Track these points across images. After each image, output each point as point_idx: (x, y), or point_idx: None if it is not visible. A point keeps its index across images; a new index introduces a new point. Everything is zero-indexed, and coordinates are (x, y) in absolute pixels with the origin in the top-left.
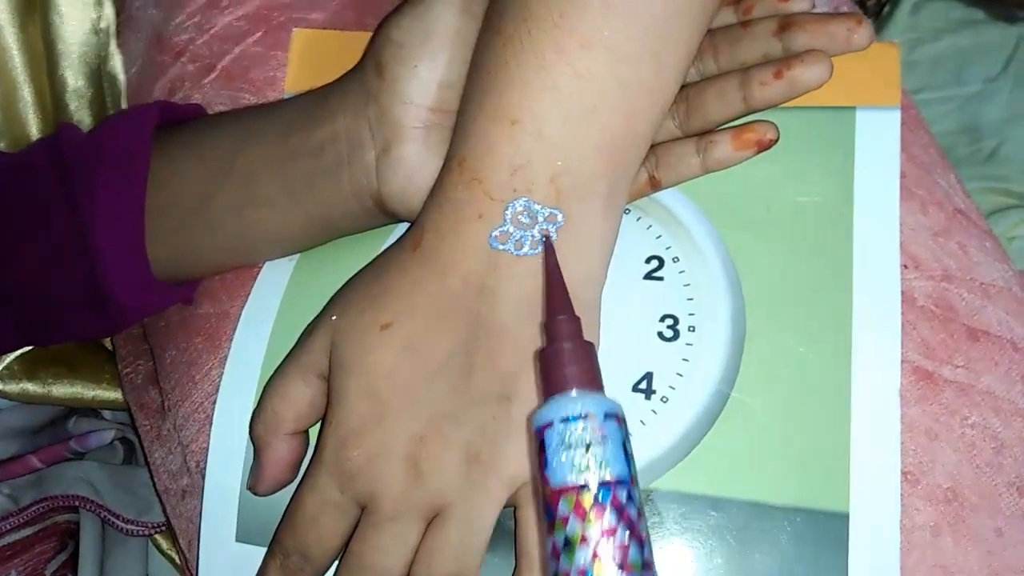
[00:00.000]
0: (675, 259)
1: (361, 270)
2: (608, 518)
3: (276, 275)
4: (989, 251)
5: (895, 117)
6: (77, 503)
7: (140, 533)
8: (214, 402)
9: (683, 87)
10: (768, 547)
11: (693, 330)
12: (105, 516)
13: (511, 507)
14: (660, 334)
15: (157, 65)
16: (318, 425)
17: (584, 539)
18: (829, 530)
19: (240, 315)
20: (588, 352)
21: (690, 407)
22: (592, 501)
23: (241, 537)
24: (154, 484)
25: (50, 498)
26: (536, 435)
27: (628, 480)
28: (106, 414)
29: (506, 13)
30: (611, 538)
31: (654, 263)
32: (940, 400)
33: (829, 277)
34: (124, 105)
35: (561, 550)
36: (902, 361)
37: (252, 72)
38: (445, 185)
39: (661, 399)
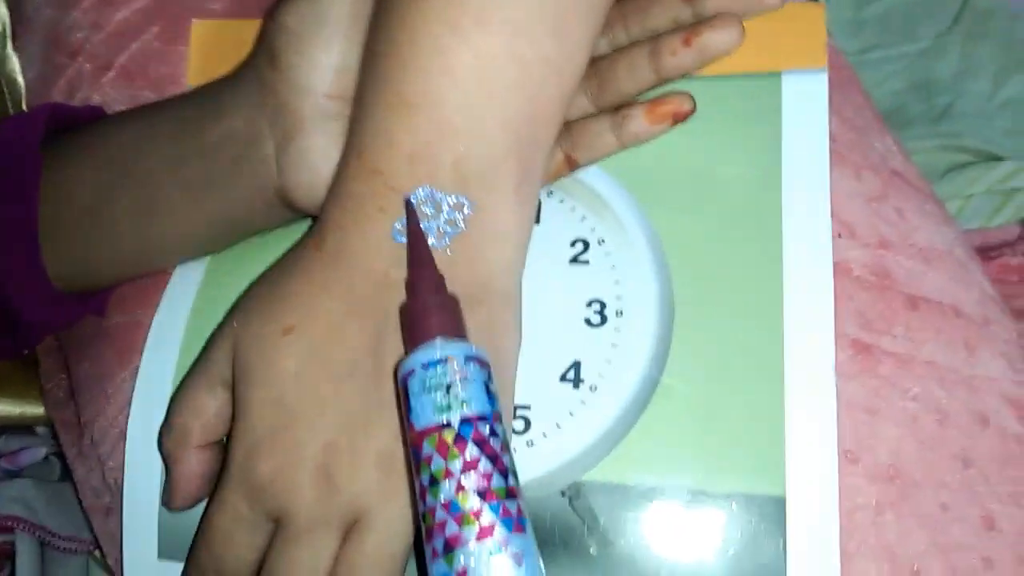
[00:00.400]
0: (600, 241)
1: (263, 273)
2: (470, 450)
3: (187, 280)
4: (929, 214)
5: (822, 79)
6: (12, 524)
7: (79, 551)
8: (127, 416)
9: (593, 60)
10: (705, 536)
11: (621, 315)
12: (42, 536)
13: None
14: (587, 320)
15: (54, 66)
16: None
17: (448, 472)
18: (766, 516)
19: (151, 324)
20: (450, 303)
21: (620, 395)
22: (454, 437)
23: (164, 554)
24: (79, 502)
25: None
26: (401, 385)
27: (491, 416)
28: (39, 429)
29: None
30: (474, 470)
31: (579, 246)
32: (879, 373)
33: (758, 252)
34: (24, 109)
35: (427, 488)
36: (838, 335)
37: (151, 69)
38: (345, 178)
39: (590, 388)
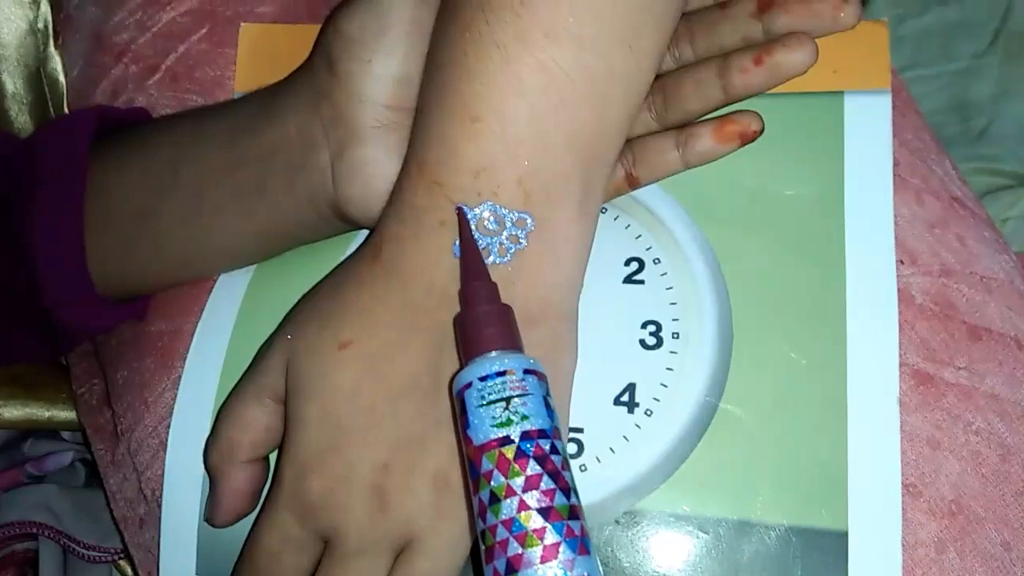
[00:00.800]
0: (656, 260)
1: (318, 283)
2: (532, 467)
3: (231, 289)
4: (988, 241)
5: (886, 101)
6: (35, 530)
7: (103, 560)
8: (168, 427)
9: (659, 77)
10: (762, 570)
11: (677, 337)
12: (65, 543)
13: None
14: (642, 342)
15: (98, 67)
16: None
17: (509, 490)
18: (827, 550)
19: (194, 333)
20: (506, 314)
21: (676, 420)
22: (515, 452)
23: (201, 571)
24: (111, 511)
25: (6, 525)
26: (457, 398)
27: (551, 431)
28: (65, 434)
29: (462, 1)
30: (536, 488)
31: (634, 265)
32: (942, 405)
33: (820, 276)
34: (67, 110)
35: (487, 506)
36: (900, 364)
37: (198, 71)
38: (404, 190)
39: (645, 412)
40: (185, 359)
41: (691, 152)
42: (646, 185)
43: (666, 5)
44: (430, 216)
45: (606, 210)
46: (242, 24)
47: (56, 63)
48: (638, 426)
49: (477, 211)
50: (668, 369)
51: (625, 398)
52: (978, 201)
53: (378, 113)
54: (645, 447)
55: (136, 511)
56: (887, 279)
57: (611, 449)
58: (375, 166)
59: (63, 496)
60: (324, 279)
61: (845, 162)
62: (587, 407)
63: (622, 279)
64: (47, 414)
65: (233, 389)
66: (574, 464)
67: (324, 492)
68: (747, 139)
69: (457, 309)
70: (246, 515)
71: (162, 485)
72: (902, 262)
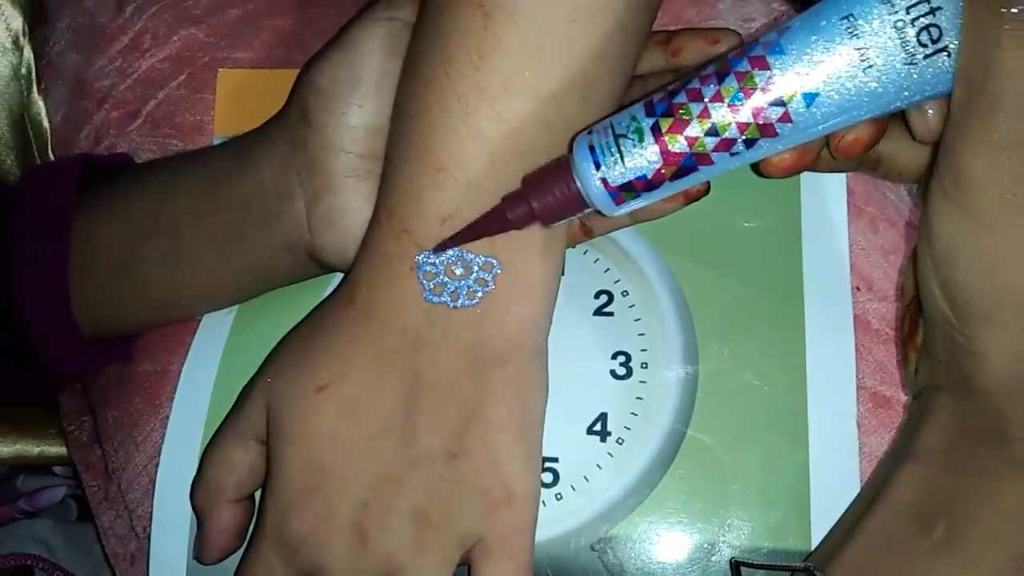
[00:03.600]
0: (624, 293)
1: (296, 327)
2: None
3: (215, 329)
4: None
5: None
6: (31, 562)
7: None
8: (157, 466)
9: None
10: None
11: (646, 367)
12: None
13: (464, 565)
14: (613, 372)
15: (81, 112)
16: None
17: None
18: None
19: (180, 373)
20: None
21: (646, 448)
22: None
23: None
24: (102, 547)
25: (2, 557)
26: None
27: None
28: (57, 469)
29: (424, 55)
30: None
31: (603, 298)
32: (899, 427)
33: (780, 304)
34: (51, 154)
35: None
36: (858, 388)
37: (178, 117)
38: (375, 237)
39: (617, 440)
40: (172, 399)
41: (639, 210)
42: (599, 236)
43: (618, 58)
44: (401, 263)
45: (574, 246)
46: (220, 70)
47: (40, 108)
48: (610, 454)
49: (444, 257)
50: (638, 398)
51: (598, 427)
52: None
53: (352, 163)
54: (618, 475)
55: (127, 548)
56: (843, 306)
57: (585, 477)
58: (350, 214)
59: (56, 530)
60: (301, 322)
61: (802, 194)
62: (561, 437)
63: (592, 311)
64: (37, 450)
65: (217, 431)
66: (549, 493)
67: (306, 532)
68: (691, 198)
69: (430, 353)
70: (233, 552)
71: (151, 523)
72: (858, 288)
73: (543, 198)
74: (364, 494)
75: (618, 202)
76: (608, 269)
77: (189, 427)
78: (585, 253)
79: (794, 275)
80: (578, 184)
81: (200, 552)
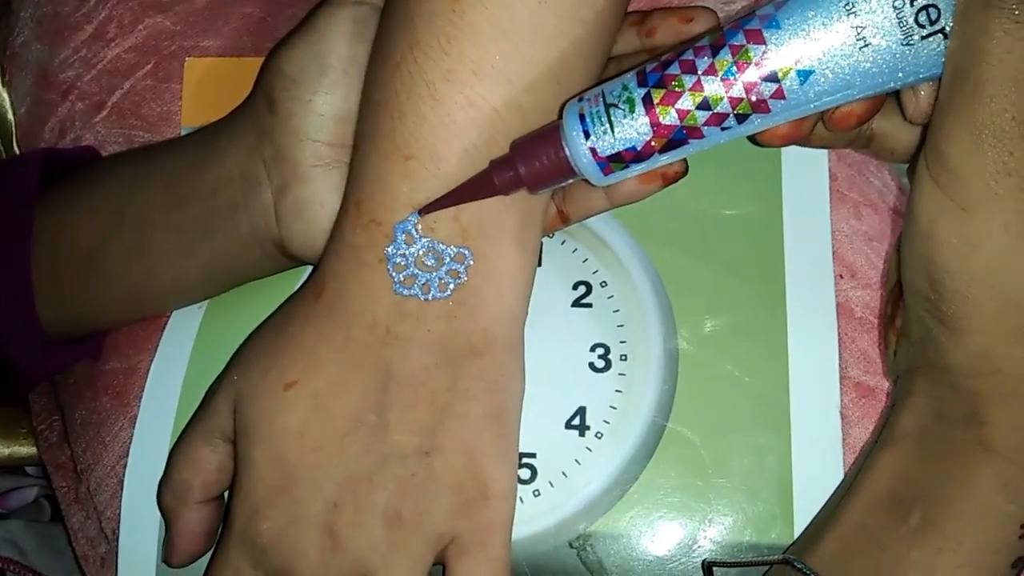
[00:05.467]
0: (603, 283)
1: (263, 323)
2: None
3: (184, 325)
4: None
5: None
6: (2, 565)
7: None
8: (125, 466)
9: None
10: None
11: (625, 359)
12: None
13: (439, 564)
14: (591, 365)
15: (45, 104)
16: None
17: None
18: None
19: (148, 371)
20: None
21: (626, 442)
22: None
23: None
24: (73, 549)
25: None
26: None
27: None
28: (30, 469)
29: (392, 40)
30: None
31: (582, 289)
32: (883, 416)
33: (761, 293)
34: (16, 147)
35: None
36: (842, 378)
37: (145, 107)
38: (343, 228)
39: (596, 435)
40: (141, 398)
41: (616, 192)
42: (576, 223)
43: (592, 42)
44: (369, 254)
45: (552, 234)
46: (187, 59)
47: (4, 100)
48: (589, 449)
49: (415, 248)
50: (617, 391)
51: (576, 421)
52: None
53: (319, 151)
54: (597, 470)
55: (97, 550)
56: (826, 294)
57: (564, 473)
58: (318, 204)
59: (28, 532)
60: (269, 318)
61: (783, 180)
62: (539, 432)
63: (570, 303)
64: (7, 451)
65: (184, 430)
66: (527, 489)
67: (275, 533)
68: (669, 180)
69: (400, 347)
70: (202, 555)
71: (120, 525)
72: (841, 276)
73: (530, 164)
74: (334, 493)
75: (606, 172)
76: (586, 259)
77: (157, 426)
78: (563, 243)
79: (776, 263)
80: (566, 152)
81: (168, 555)
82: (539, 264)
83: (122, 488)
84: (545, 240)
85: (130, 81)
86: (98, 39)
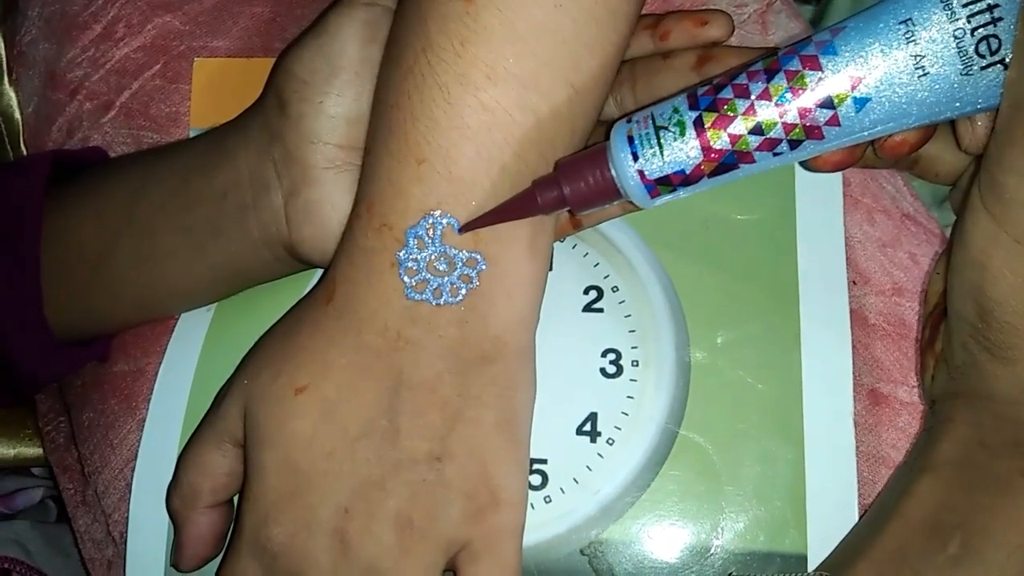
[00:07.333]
0: (614, 288)
1: (273, 326)
2: None
3: (193, 328)
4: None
5: None
6: (7, 565)
7: None
8: (133, 469)
9: (601, 123)
10: None
11: (637, 364)
12: None
13: (450, 571)
14: (603, 370)
15: (53, 104)
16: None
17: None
18: (788, 573)
19: (157, 373)
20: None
21: (638, 449)
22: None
23: None
24: (79, 552)
25: None
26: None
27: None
28: (35, 470)
29: (405, 42)
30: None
31: (593, 294)
32: (897, 424)
33: (774, 300)
34: (23, 147)
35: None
36: (855, 385)
37: (153, 108)
38: (355, 232)
39: (607, 441)
40: (149, 401)
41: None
42: (588, 228)
43: (607, 44)
44: (381, 258)
45: (563, 239)
46: (196, 59)
47: (11, 99)
48: (601, 455)
49: (427, 252)
50: (629, 397)
51: (587, 428)
52: (930, 215)
53: (330, 153)
54: (608, 476)
55: (104, 553)
56: (840, 300)
57: (575, 479)
58: (328, 207)
59: (34, 532)
60: (279, 321)
61: (796, 185)
62: (550, 438)
63: (581, 308)
64: (13, 452)
65: (193, 434)
66: (538, 496)
67: (286, 539)
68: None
69: (411, 352)
70: (211, 560)
71: (127, 528)
72: (855, 282)
73: (575, 184)
74: (345, 499)
75: (653, 195)
76: (598, 264)
77: (166, 430)
78: (574, 247)
79: (789, 269)
80: (613, 173)
81: (177, 560)
82: (550, 268)
83: (130, 491)
84: (556, 244)
85: (138, 81)
86: (106, 39)
